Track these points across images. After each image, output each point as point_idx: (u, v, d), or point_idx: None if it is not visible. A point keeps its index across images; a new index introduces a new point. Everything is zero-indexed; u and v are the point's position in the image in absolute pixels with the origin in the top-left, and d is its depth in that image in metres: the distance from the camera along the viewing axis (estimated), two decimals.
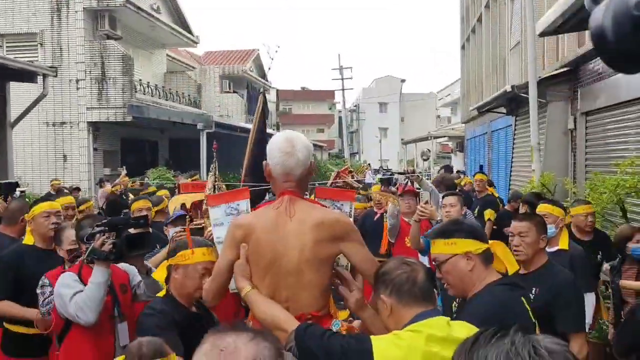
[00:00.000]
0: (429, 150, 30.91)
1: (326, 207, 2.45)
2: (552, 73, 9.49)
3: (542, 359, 0.96)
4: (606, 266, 4.37)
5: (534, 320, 2.10)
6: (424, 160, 29.31)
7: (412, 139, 36.85)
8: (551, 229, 4.41)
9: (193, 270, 2.50)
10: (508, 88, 9.91)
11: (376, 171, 20.68)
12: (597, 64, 8.55)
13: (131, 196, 11.48)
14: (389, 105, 52.38)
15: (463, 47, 22.26)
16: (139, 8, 16.44)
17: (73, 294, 2.70)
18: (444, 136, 32.27)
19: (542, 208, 4.31)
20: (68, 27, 15.61)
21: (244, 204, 2.88)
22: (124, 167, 13.16)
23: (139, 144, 18.71)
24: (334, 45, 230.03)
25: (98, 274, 2.70)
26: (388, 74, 56.33)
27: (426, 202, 4.16)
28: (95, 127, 15.95)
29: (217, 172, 5.05)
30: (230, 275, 2.19)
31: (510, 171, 13.12)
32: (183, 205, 3.77)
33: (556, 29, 5.83)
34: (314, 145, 34.17)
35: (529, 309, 2.09)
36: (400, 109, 50.92)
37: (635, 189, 5.89)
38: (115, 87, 15.61)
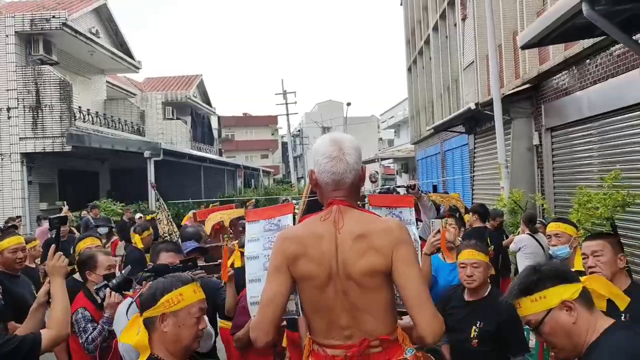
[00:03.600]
0: (377, 172, 31.02)
1: (379, 216, 2.12)
2: (514, 90, 9.49)
3: None
4: None
5: None
6: (372, 182, 29.35)
7: None
8: (565, 249, 4.09)
9: (186, 315, 1.94)
10: (472, 106, 9.83)
11: None
12: (561, 80, 8.59)
13: (77, 233, 10.55)
14: (332, 130, 52.72)
15: (409, 70, 22.50)
16: (76, 32, 15.52)
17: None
18: (390, 158, 32.58)
19: (553, 227, 3.99)
20: None
21: (286, 219, 2.56)
22: (64, 202, 12.15)
23: (78, 175, 17.54)
24: (275, 70, 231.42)
25: None
26: (330, 99, 56.97)
27: (437, 232, 3.71)
28: (30, 159, 14.80)
29: None
30: (285, 301, 1.90)
31: (472, 190, 13.07)
32: (220, 224, 3.26)
33: (539, 41, 5.67)
34: (263, 171, 33.60)
35: None
36: (344, 132, 51.26)
37: (622, 202, 5.79)
38: (52, 115, 14.57)
